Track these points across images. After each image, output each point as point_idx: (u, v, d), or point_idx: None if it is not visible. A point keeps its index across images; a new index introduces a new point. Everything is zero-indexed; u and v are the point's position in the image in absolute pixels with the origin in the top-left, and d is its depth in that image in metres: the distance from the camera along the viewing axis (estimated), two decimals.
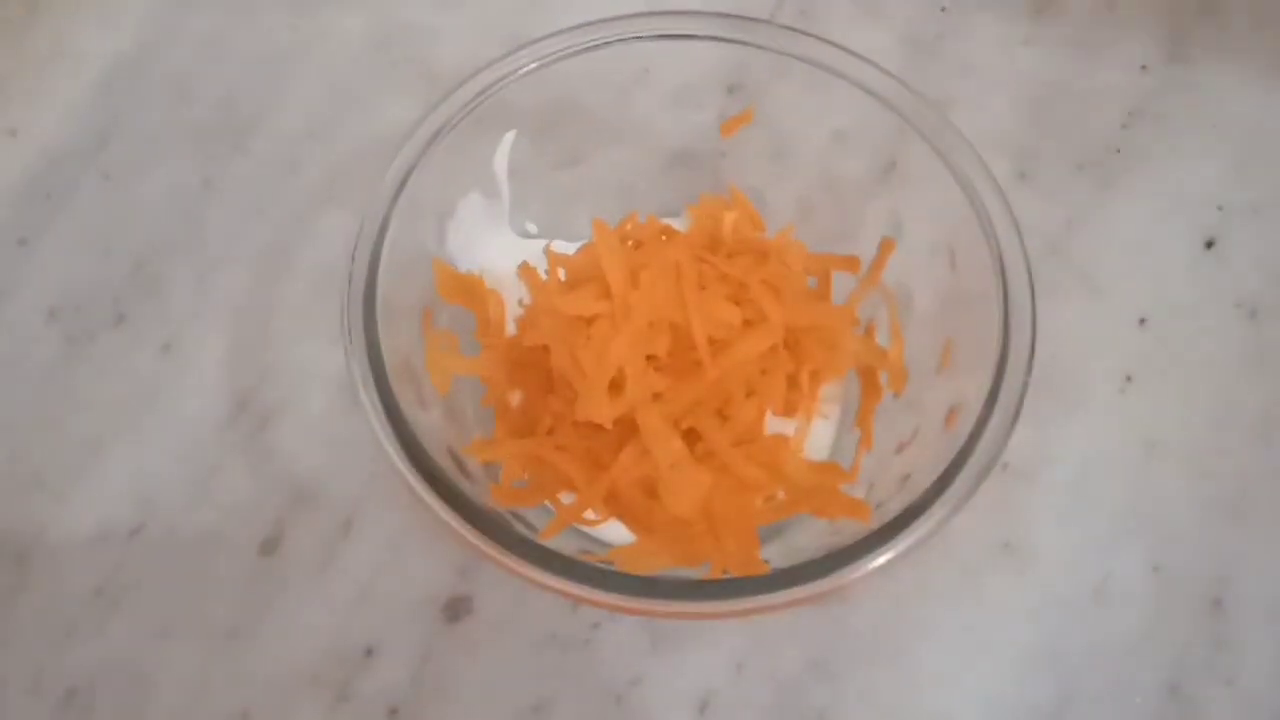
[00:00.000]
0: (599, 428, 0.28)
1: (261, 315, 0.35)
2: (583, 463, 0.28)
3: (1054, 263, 0.36)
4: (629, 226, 0.32)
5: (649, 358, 0.28)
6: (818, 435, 0.31)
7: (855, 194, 0.32)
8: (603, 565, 0.25)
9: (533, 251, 0.31)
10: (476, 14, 0.40)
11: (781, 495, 0.29)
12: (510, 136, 0.31)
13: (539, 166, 0.32)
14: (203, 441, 0.33)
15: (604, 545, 0.29)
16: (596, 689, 0.30)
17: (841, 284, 0.32)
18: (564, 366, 0.28)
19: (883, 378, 0.31)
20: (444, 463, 0.26)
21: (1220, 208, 0.37)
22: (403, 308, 0.28)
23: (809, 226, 0.32)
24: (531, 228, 0.33)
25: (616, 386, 0.28)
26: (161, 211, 0.36)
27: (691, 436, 0.28)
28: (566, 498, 0.29)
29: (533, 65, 0.30)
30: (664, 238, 0.32)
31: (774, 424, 0.30)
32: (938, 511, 0.25)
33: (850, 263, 0.32)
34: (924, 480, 0.25)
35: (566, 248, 0.31)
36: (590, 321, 0.28)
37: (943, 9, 0.40)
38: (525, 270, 0.31)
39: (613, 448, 0.28)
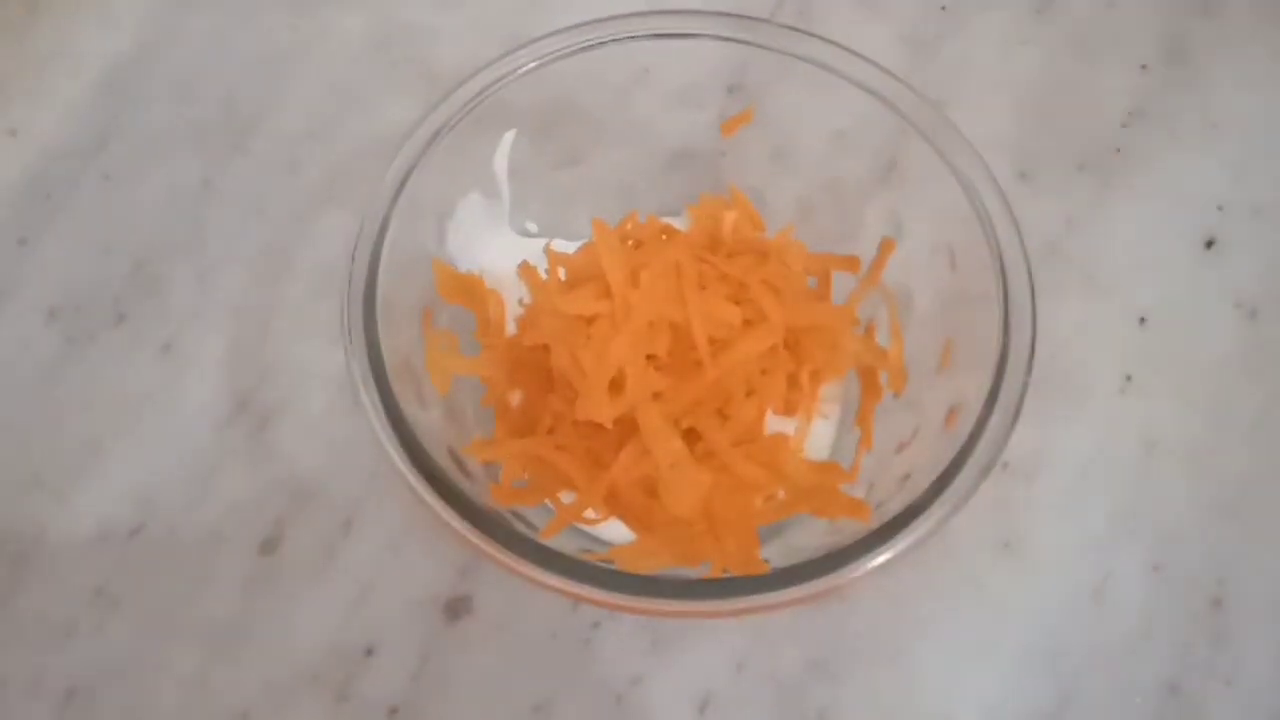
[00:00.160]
0: (599, 427, 0.28)
1: (261, 315, 0.35)
2: (583, 462, 0.28)
3: (1054, 262, 0.36)
4: (629, 226, 0.32)
5: (649, 357, 0.28)
6: (818, 435, 0.31)
7: (855, 194, 0.32)
8: (603, 564, 0.25)
9: (533, 251, 0.31)
10: (476, 14, 0.40)
11: (781, 495, 0.29)
12: (510, 136, 0.31)
13: (539, 166, 0.32)
14: (203, 441, 0.33)
15: (604, 544, 0.29)
16: (596, 688, 0.30)
17: (841, 284, 0.32)
18: (564, 366, 0.28)
19: (883, 377, 0.31)
20: (444, 462, 0.26)
21: (1220, 207, 0.37)
22: (403, 308, 0.28)
23: (809, 226, 0.32)
24: (532, 227, 0.33)
25: (616, 386, 0.28)
26: (162, 211, 0.36)
27: (691, 436, 0.28)
28: (567, 497, 0.29)
29: (532, 65, 0.30)
30: (664, 237, 0.32)
31: (774, 423, 0.30)
32: (937, 511, 0.25)
33: (850, 263, 0.32)
34: (924, 480, 0.25)
35: (567, 247, 0.31)
36: (590, 321, 0.28)
37: (943, 8, 0.40)
38: (525, 270, 0.31)
39: (613, 447, 0.28)
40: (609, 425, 0.28)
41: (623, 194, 0.33)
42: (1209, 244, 0.36)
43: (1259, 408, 0.34)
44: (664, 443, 0.27)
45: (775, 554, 0.27)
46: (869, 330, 0.32)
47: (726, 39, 0.30)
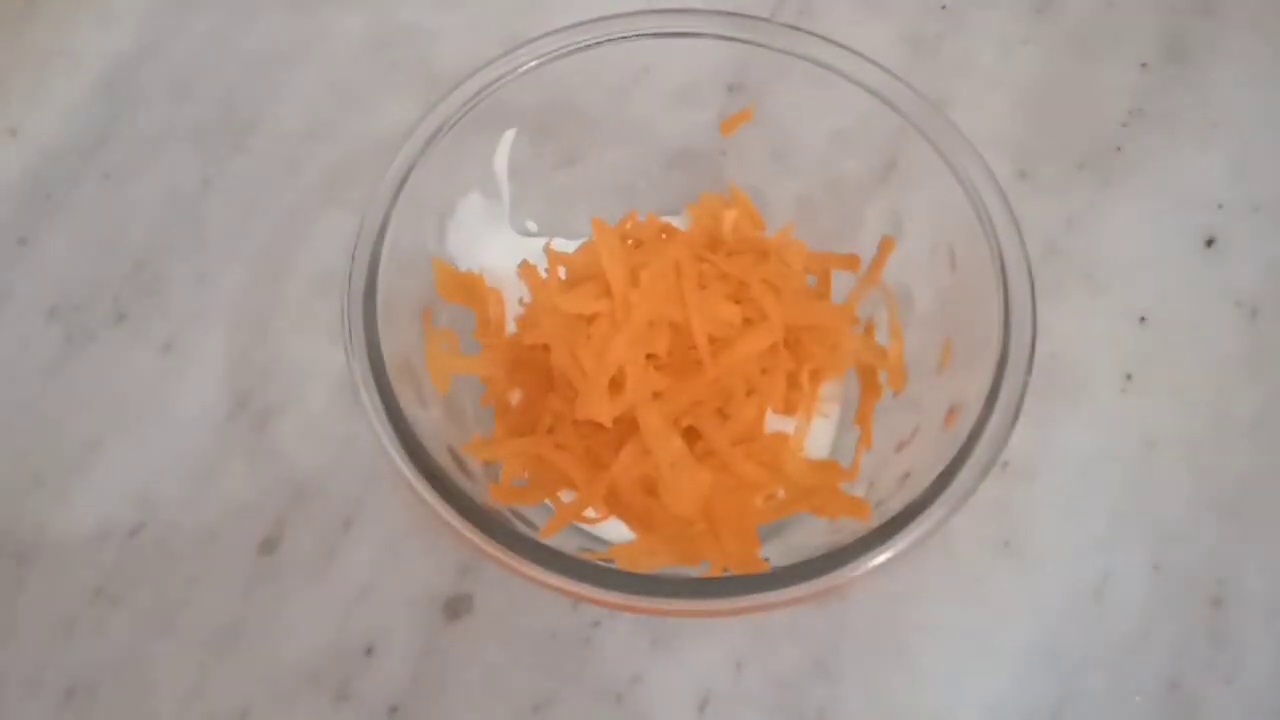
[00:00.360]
0: (599, 426, 0.28)
1: (262, 314, 0.35)
2: (583, 461, 0.28)
3: (1054, 261, 0.36)
4: (629, 225, 0.32)
5: (649, 356, 0.28)
6: (818, 434, 0.31)
7: (855, 193, 0.32)
8: (603, 563, 0.25)
9: (533, 250, 0.31)
10: (476, 14, 0.40)
11: (781, 494, 0.29)
12: (510, 135, 0.31)
13: (539, 165, 0.32)
14: (203, 440, 0.33)
15: (604, 544, 0.29)
16: (597, 687, 0.30)
17: (842, 283, 0.32)
18: (564, 365, 0.28)
19: (883, 376, 0.31)
20: (444, 462, 0.26)
21: (1221, 206, 0.37)
22: (403, 307, 0.28)
23: (809, 225, 0.32)
24: (532, 226, 0.33)
25: (617, 385, 0.28)
26: (162, 211, 0.36)
27: (691, 435, 0.28)
28: (567, 496, 0.29)
29: (532, 64, 0.30)
30: (664, 236, 0.32)
31: (774, 422, 0.30)
32: (938, 510, 0.25)
33: (850, 262, 0.32)
34: (924, 479, 0.25)
35: (567, 246, 0.31)
36: (590, 320, 0.28)
37: (943, 7, 0.40)
38: (525, 269, 0.31)
39: (613, 446, 0.28)
40: (609, 424, 0.28)
41: (623, 193, 0.33)
42: (1209, 243, 0.36)
43: (1259, 407, 0.34)
44: (664, 442, 0.27)
45: (775, 553, 0.27)
46: (869, 329, 0.32)
47: (727, 38, 0.30)
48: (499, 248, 0.32)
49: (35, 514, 0.32)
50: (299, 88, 0.39)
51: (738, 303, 0.29)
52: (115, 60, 0.39)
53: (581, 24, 0.30)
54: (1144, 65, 0.39)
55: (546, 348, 0.29)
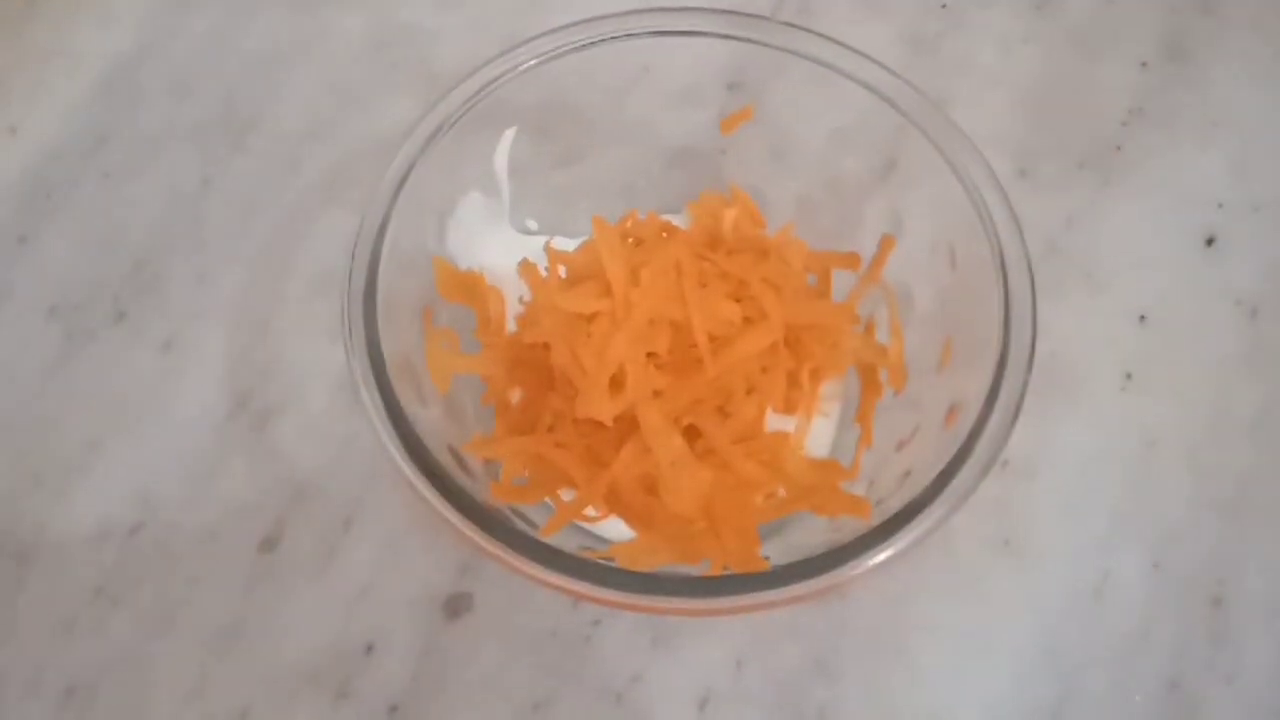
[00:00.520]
0: (599, 425, 0.28)
1: (262, 313, 0.35)
2: (583, 460, 0.28)
3: (1054, 260, 0.36)
4: (629, 224, 0.32)
5: (649, 355, 0.28)
6: (818, 432, 0.31)
7: (856, 191, 0.32)
8: (603, 562, 0.25)
9: (533, 249, 0.31)
10: (476, 14, 0.40)
11: (782, 492, 0.29)
12: (510, 134, 0.31)
13: (539, 164, 0.32)
14: (203, 439, 0.33)
15: (604, 542, 0.29)
16: (597, 686, 0.30)
17: (842, 281, 0.32)
18: (564, 364, 0.28)
19: (883, 375, 0.31)
20: (444, 460, 0.26)
21: (1221, 205, 0.37)
22: (403, 306, 0.28)
23: (809, 224, 0.32)
24: (532, 225, 0.33)
25: (617, 384, 0.28)
26: (162, 210, 0.36)
27: (692, 434, 0.28)
28: (567, 495, 0.29)
29: (532, 62, 0.30)
30: (664, 235, 0.32)
31: (774, 421, 0.30)
32: (938, 509, 0.25)
33: (850, 260, 0.32)
34: (924, 477, 0.25)
35: (567, 245, 0.31)
36: (591, 319, 0.28)
37: (943, 6, 0.40)
38: (526, 267, 0.31)
39: (613, 445, 0.28)
40: (609, 423, 0.28)
41: (623, 192, 0.33)
42: (1209, 241, 0.36)
43: (1259, 406, 0.34)
44: (664, 440, 0.27)
45: (775, 551, 0.27)
46: (869, 328, 0.32)
47: (727, 36, 0.30)
48: (499, 246, 0.32)
49: (35, 514, 0.32)
50: (299, 87, 0.39)
51: (738, 301, 0.29)
52: (115, 60, 0.39)
53: (581, 22, 0.30)
54: (1144, 64, 0.39)
55: (547, 346, 0.29)
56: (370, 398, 0.26)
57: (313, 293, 0.35)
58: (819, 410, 0.31)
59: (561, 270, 0.31)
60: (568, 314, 0.29)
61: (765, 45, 0.30)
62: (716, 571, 0.27)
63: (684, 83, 0.32)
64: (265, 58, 0.39)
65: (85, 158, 0.37)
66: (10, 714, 0.30)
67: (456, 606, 0.31)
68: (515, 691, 0.30)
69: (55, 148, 0.37)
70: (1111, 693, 0.30)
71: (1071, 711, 0.30)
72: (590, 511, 0.28)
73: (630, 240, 0.31)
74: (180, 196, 0.37)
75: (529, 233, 0.33)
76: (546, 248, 0.31)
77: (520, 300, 0.31)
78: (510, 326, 0.31)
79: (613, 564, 0.26)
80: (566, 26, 0.30)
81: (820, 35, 0.30)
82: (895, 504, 0.25)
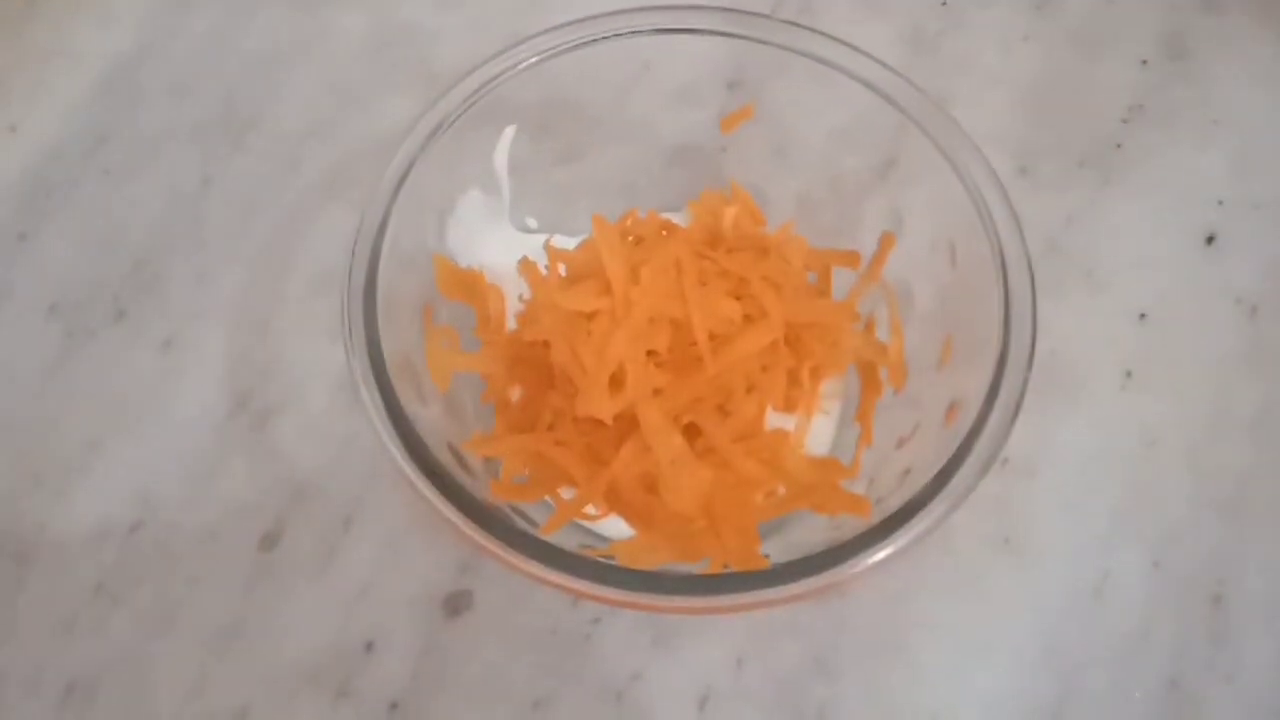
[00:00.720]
0: (599, 423, 0.28)
1: (262, 312, 0.35)
2: (583, 458, 0.28)
3: (1054, 258, 0.36)
4: (629, 222, 0.32)
5: (649, 353, 0.28)
6: (818, 431, 0.31)
7: (856, 189, 0.32)
8: (603, 560, 0.25)
9: (533, 247, 0.31)
10: (476, 14, 0.40)
11: (782, 491, 0.29)
12: (510, 132, 0.31)
13: (539, 162, 0.32)
14: (203, 438, 0.33)
15: (604, 540, 0.29)
16: (597, 684, 0.30)
17: (842, 279, 0.32)
18: (564, 362, 0.28)
19: (883, 373, 0.31)
20: (444, 459, 0.26)
21: (1221, 203, 0.37)
22: (403, 304, 0.28)
23: (809, 222, 0.32)
24: (532, 223, 0.33)
25: (617, 382, 0.28)
26: (162, 209, 0.36)
27: (692, 432, 0.28)
28: (567, 493, 0.29)
29: (533, 60, 0.30)
30: (664, 233, 0.32)
31: (774, 419, 0.30)
32: (938, 507, 0.24)
33: (851, 258, 0.32)
34: (924, 476, 0.25)
35: (567, 243, 0.31)
36: (591, 317, 0.28)
37: (943, 4, 0.40)
38: (525, 266, 0.31)
39: (613, 443, 0.28)
40: (609, 421, 0.27)
41: (623, 190, 0.33)
42: (1209, 240, 0.36)
43: (1259, 404, 0.34)
44: (664, 439, 0.27)
45: (775, 550, 0.27)
46: (869, 326, 0.32)
47: (727, 34, 0.30)
48: (499, 244, 0.32)
49: (35, 513, 0.32)
50: (299, 87, 0.39)
51: (738, 299, 0.29)
52: (115, 60, 0.39)
53: (581, 20, 0.30)
54: (1144, 62, 0.39)
55: (547, 344, 0.29)
56: (370, 396, 0.26)
57: (313, 292, 0.35)
58: (819, 408, 0.31)
59: (561, 268, 0.31)
60: (568, 312, 0.28)
61: (766, 43, 0.30)
62: (716, 570, 0.27)
63: (684, 81, 0.32)
64: (265, 57, 0.39)
65: (85, 157, 0.37)
66: (10, 713, 0.30)
67: (456, 605, 0.31)
68: (515, 690, 0.30)
69: (55, 147, 0.37)
70: (1111, 692, 0.30)
71: (1071, 710, 0.30)
72: (590, 510, 0.28)
73: (630, 238, 0.31)
74: (180, 196, 0.37)
75: (529, 231, 0.33)
76: (546, 246, 0.31)
77: (520, 298, 0.31)
78: (510, 324, 0.31)
79: (613, 562, 0.26)
80: (566, 24, 0.30)
81: (821, 33, 0.30)
82: (895, 502, 0.25)
